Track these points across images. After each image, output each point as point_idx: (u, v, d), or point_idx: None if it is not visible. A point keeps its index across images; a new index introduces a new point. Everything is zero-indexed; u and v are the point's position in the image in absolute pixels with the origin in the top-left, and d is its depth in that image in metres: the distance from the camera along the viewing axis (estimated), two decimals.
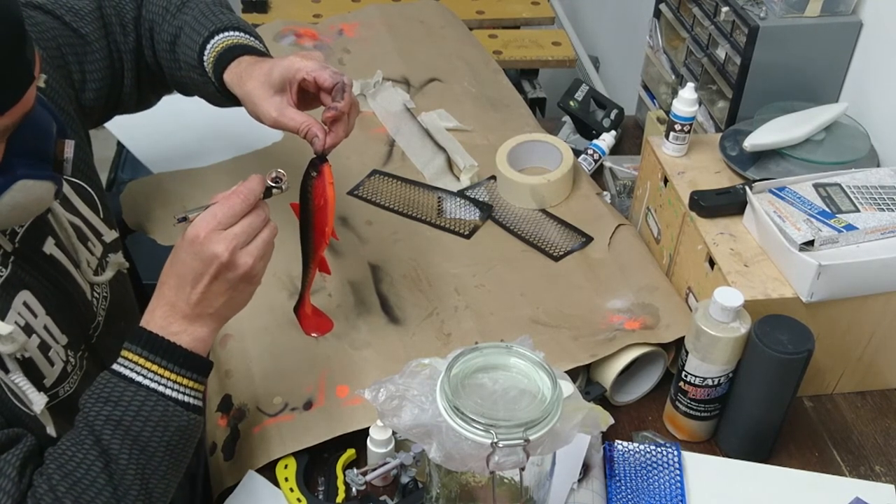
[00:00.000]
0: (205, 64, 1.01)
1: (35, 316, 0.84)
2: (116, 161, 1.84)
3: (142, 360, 0.79)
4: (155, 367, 0.79)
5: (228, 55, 0.99)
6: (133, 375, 0.79)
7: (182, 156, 1.39)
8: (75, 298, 0.91)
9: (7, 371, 0.79)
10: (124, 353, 0.80)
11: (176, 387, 0.80)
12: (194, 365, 0.82)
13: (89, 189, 0.99)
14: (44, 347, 0.84)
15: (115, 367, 0.80)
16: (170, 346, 0.80)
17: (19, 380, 0.79)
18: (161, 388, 0.79)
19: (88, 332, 0.94)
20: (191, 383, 0.81)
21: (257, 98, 0.94)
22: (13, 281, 0.82)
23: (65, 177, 0.95)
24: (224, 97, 1.02)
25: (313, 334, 1.06)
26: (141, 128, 1.46)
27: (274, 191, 0.84)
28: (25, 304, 0.83)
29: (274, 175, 0.84)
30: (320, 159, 0.91)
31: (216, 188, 1.30)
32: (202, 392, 0.84)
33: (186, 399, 0.81)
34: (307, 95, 0.95)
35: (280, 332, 1.10)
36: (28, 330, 0.83)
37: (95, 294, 0.96)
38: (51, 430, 0.82)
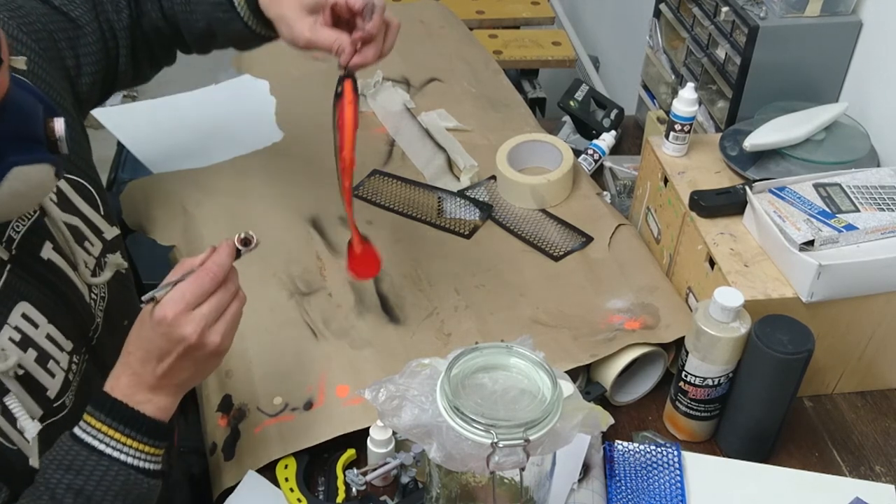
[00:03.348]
0: None
1: (36, 326, 0.83)
2: (116, 161, 1.85)
3: (105, 428, 0.78)
4: (118, 436, 0.79)
5: None
6: (96, 444, 0.78)
7: (182, 156, 1.39)
8: (74, 302, 0.90)
9: (5, 392, 0.78)
10: (87, 418, 0.79)
11: (138, 454, 0.79)
12: (157, 432, 0.81)
13: (88, 186, 0.98)
14: (42, 360, 0.83)
15: (77, 432, 0.79)
16: (134, 414, 0.79)
17: (13, 405, 0.78)
18: (124, 458, 0.78)
19: (88, 335, 0.93)
20: (153, 450, 0.81)
21: (291, 20, 0.94)
22: (9, 293, 0.81)
23: (64, 175, 0.94)
24: (252, 34, 1.02)
25: (353, 274, 1.05)
26: (141, 128, 1.46)
27: (243, 252, 0.81)
28: (24, 316, 0.82)
29: (243, 237, 0.81)
30: (346, 76, 0.90)
31: (216, 188, 1.32)
32: (162, 455, 0.82)
33: (148, 466, 0.80)
34: (340, 21, 0.94)
35: (280, 332, 1.10)
36: (25, 344, 0.81)
37: (93, 295, 0.95)
38: (33, 462, 0.80)
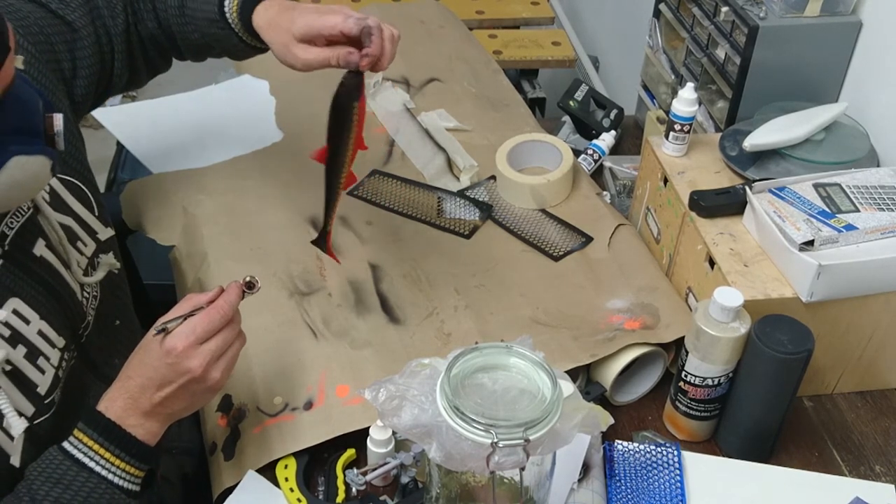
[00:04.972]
0: (227, 16, 1.01)
1: (27, 322, 0.84)
2: (116, 161, 1.85)
3: (96, 446, 0.80)
4: (108, 455, 0.80)
5: (251, 2, 0.99)
6: (86, 461, 0.80)
7: (182, 156, 1.39)
8: (65, 299, 0.91)
9: None
10: (79, 434, 0.81)
11: (123, 475, 0.81)
12: (144, 455, 0.83)
13: (83, 187, 0.99)
14: (32, 356, 0.84)
15: (68, 448, 0.80)
16: (126, 436, 0.81)
17: (1, 402, 0.79)
18: (112, 477, 0.80)
19: (78, 332, 0.94)
20: (137, 472, 0.83)
21: (285, 46, 0.95)
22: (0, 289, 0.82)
23: (58, 175, 0.95)
24: (248, 47, 1.03)
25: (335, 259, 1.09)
26: (141, 128, 1.46)
27: (246, 294, 0.86)
28: (16, 312, 0.83)
29: (248, 279, 0.86)
30: (357, 73, 0.91)
31: (216, 188, 1.32)
32: (143, 478, 0.85)
33: (130, 486, 0.82)
34: (340, 43, 0.95)
35: (280, 331, 1.10)
36: (14, 340, 0.82)
37: (85, 294, 0.95)
38: (14, 461, 0.81)
